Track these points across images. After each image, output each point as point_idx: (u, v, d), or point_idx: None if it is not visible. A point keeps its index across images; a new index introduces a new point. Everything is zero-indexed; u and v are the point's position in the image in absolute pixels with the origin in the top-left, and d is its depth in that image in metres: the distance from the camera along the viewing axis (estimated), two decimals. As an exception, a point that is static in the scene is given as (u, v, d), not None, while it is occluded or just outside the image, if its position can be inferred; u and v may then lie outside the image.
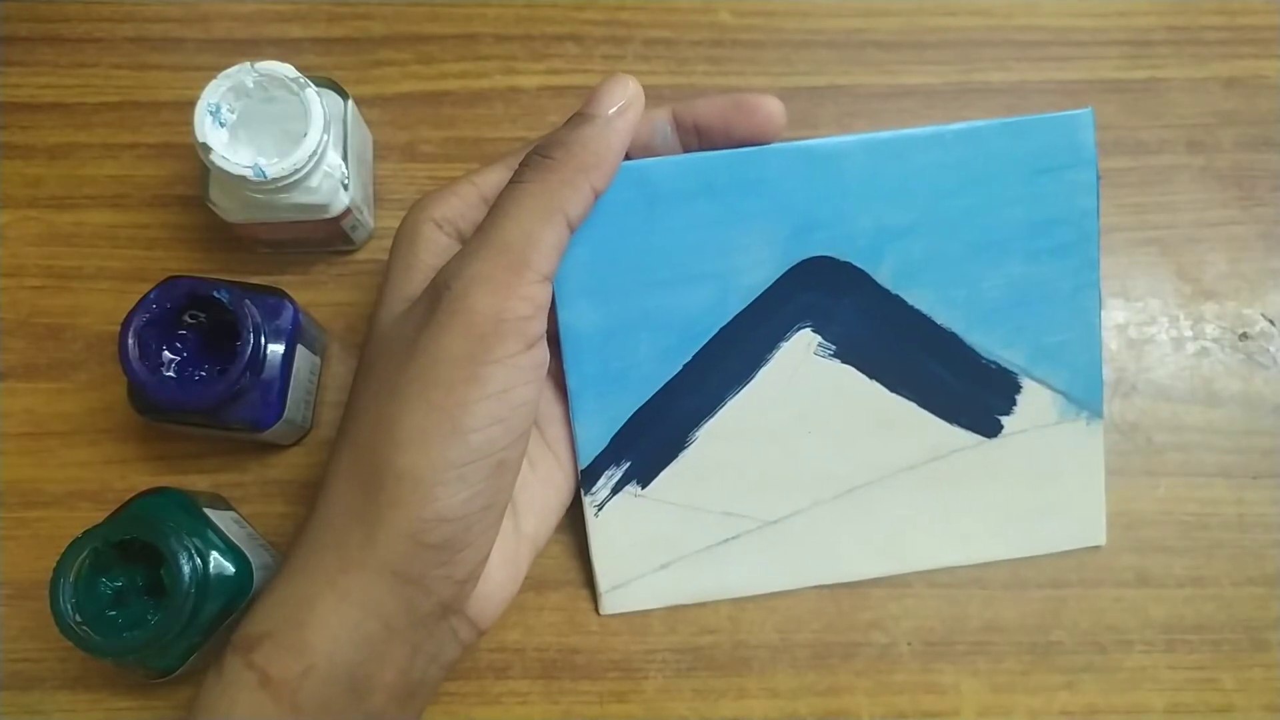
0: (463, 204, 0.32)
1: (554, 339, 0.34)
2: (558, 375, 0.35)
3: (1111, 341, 0.40)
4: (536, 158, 0.30)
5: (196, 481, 0.38)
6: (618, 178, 0.31)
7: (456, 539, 0.29)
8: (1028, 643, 0.38)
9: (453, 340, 0.29)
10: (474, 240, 0.30)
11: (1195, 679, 0.38)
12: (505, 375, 0.29)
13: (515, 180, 0.30)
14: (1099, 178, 0.35)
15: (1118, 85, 0.42)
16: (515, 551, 0.33)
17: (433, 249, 0.32)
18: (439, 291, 0.29)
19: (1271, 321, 0.41)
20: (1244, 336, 0.41)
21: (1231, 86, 0.43)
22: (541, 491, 0.35)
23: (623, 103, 0.31)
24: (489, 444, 0.29)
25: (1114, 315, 0.40)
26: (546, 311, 0.30)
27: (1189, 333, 0.41)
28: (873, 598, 0.38)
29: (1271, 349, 0.41)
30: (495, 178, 0.32)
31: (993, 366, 0.36)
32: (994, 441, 0.37)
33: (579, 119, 0.31)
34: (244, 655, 0.29)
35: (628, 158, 0.32)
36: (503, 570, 0.32)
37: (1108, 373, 0.37)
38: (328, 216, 0.36)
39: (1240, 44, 0.43)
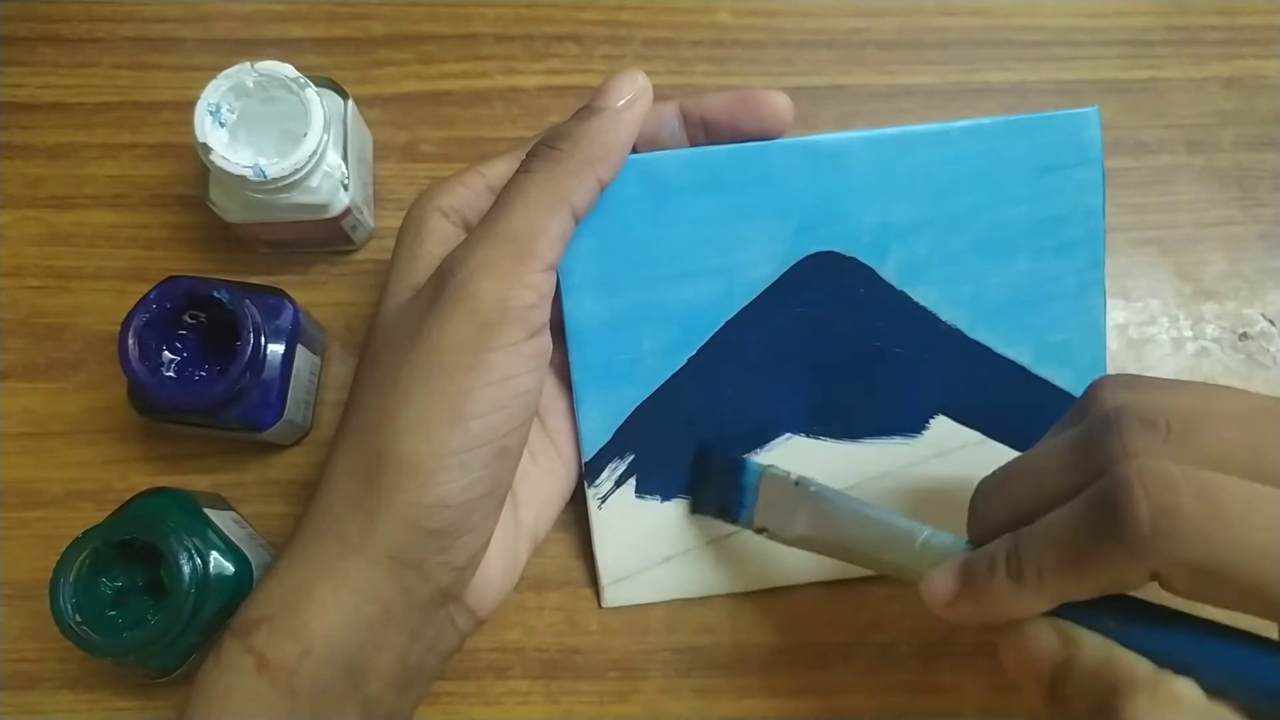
0: (469, 193, 0.32)
1: (558, 330, 0.34)
2: (560, 367, 0.35)
3: (1112, 341, 0.40)
4: (544, 148, 0.30)
5: (196, 481, 0.38)
6: (624, 170, 0.31)
7: (456, 525, 0.29)
8: (1028, 642, 0.38)
9: (456, 327, 0.29)
10: (479, 229, 0.30)
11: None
12: (508, 363, 0.29)
13: (522, 170, 0.30)
14: (1105, 176, 0.35)
15: (1118, 85, 0.43)
16: (514, 542, 0.33)
17: (439, 238, 0.32)
18: (443, 279, 0.29)
19: (1271, 321, 0.41)
20: (1244, 336, 0.41)
21: (1231, 86, 0.43)
22: (542, 482, 0.35)
23: (631, 95, 0.31)
24: (490, 431, 0.29)
25: (1114, 315, 0.40)
26: (550, 301, 0.30)
27: (1189, 333, 0.41)
28: (873, 598, 0.38)
29: (1271, 349, 0.41)
30: (502, 168, 0.32)
31: (998, 364, 0.36)
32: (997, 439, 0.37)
33: (587, 111, 0.31)
34: (242, 639, 0.29)
35: (635, 151, 0.32)
36: (501, 560, 0.33)
37: (1109, 373, 0.37)
38: (328, 216, 0.36)
39: (1240, 44, 0.43)
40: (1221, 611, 0.25)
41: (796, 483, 0.33)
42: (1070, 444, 0.27)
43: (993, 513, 0.29)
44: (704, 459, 0.36)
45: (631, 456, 0.36)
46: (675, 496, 0.37)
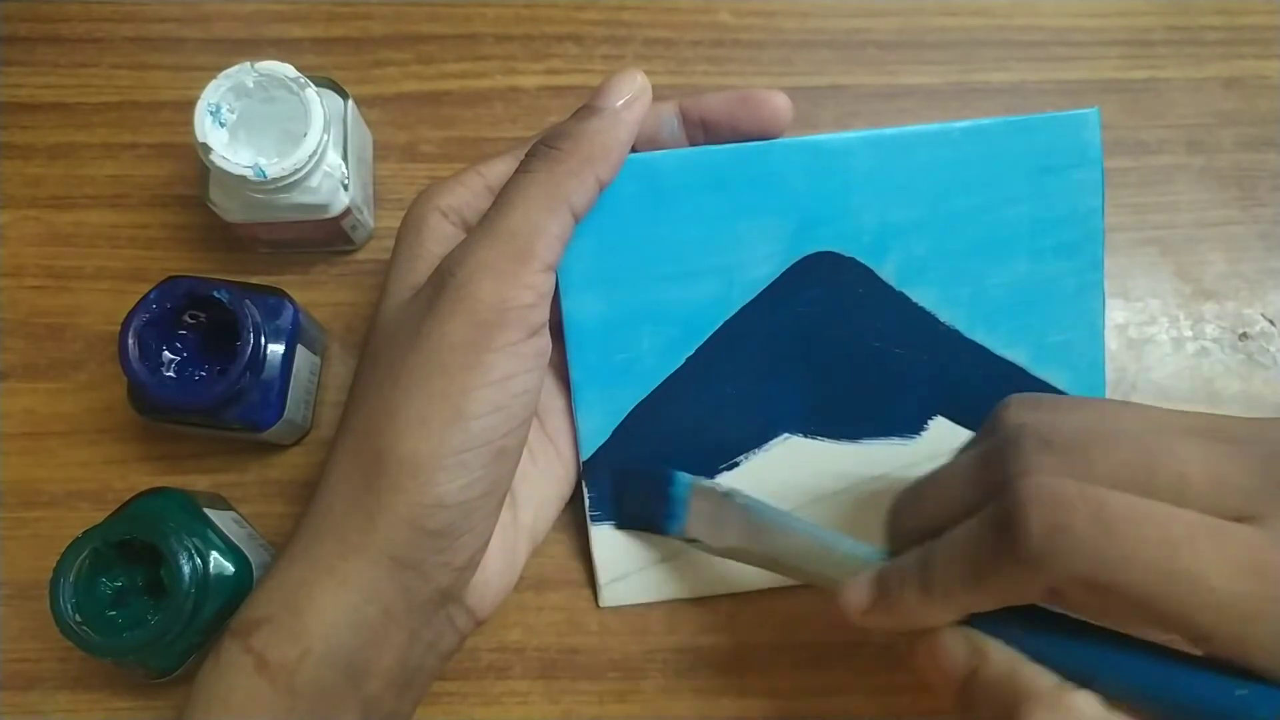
0: (469, 193, 0.32)
1: (557, 330, 0.34)
2: (559, 367, 0.35)
3: (1111, 341, 0.40)
4: (543, 148, 0.30)
5: (196, 481, 0.38)
6: (624, 170, 0.31)
7: (455, 525, 0.29)
8: (1028, 642, 0.38)
9: (456, 327, 0.29)
10: (479, 229, 0.30)
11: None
12: (507, 363, 0.29)
13: (521, 170, 0.31)
14: (1104, 177, 0.35)
15: (1118, 85, 0.43)
16: (514, 542, 0.33)
17: (438, 238, 0.32)
18: (443, 279, 0.29)
19: (1271, 321, 0.41)
20: (1244, 336, 0.41)
21: (1231, 86, 0.43)
22: (541, 482, 0.35)
23: (630, 95, 0.31)
24: (489, 431, 0.29)
25: (1114, 315, 0.40)
26: (549, 301, 0.30)
27: (1189, 333, 0.41)
28: (873, 598, 0.38)
29: (1271, 349, 0.41)
30: (501, 168, 0.32)
31: (996, 364, 0.36)
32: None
33: (587, 110, 0.31)
34: (242, 639, 0.29)
35: (634, 151, 0.32)
36: (501, 560, 0.33)
37: (1108, 373, 0.37)
38: (328, 216, 0.36)
39: (1240, 44, 0.43)
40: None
41: (726, 494, 0.34)
42: (975, 460, 0.28)
43: (906, 525, 0.29)
44: (626, 475, 0.36)
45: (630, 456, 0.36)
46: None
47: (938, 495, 0.29)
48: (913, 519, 0.29)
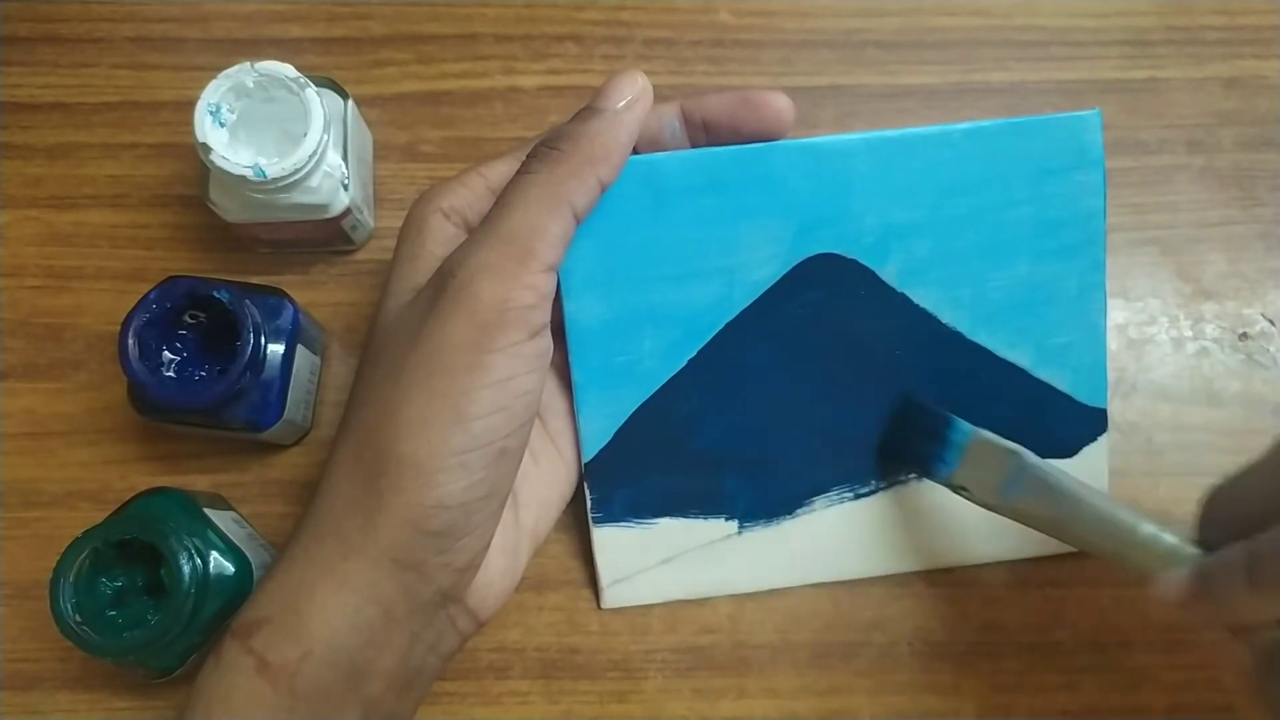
0: (470, 194, 0.32)
1: (559, 331, 0.34)
2: (561, 368, 0.35)
3: (1112, 341, 0.40)
4: (544, 149, 0.30)
5: (196, 481, 0.38)
6: (625, 171, 0.31)
7: (457, 526, 0.29)
8: (1028, 643, 0.38)
9: (456, 328, 0.29)
10: (480, 230, 0.30)
11: (1195, 679, 0.37)
12: (508, 363, 0.29)
13: (522, 171, 0.31)
14: (1105, 179, 0.35)
15: (1118, 85, 0.43)
16: (515, 543, 0.33)
17: (439, 239, 0.32)
18: (444, 280, 0.29)
19: (1271, 321, 0.41)
20: (1244, 336, 0.41)
21: (1231, 86, 0.43)
22: (543, 483, 0.35)
23: (631, 97, 0.31)
24: (491, 432, 0.29)
25: (1114, 315, 0.40)
26: (550, 301, 0.30)
27: (1189, 333, 0.41)
28: (873, 598, 0.38)
29: (1271, 349, 0.41)
30: (502, 169, 0.32)
31: (998, 366, 0.36)
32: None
33: (587, 112, 0.31)
34: (242, 641, 0.29)
35: (635, 152, 0.32)
36: (502, 561, 0.33)
37: (1108, 373, 0.37)
38: (328, 216, 0.36)
39: (1240, 44, 0.43)
40: None
41: (1011, 452, 0.33)
42: None
43: (1223, 516, 0.29)
44: (909, 407, 0.36)
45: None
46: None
47: (1259, 486, 0.28)
48: (1231, 510, 0.29)
